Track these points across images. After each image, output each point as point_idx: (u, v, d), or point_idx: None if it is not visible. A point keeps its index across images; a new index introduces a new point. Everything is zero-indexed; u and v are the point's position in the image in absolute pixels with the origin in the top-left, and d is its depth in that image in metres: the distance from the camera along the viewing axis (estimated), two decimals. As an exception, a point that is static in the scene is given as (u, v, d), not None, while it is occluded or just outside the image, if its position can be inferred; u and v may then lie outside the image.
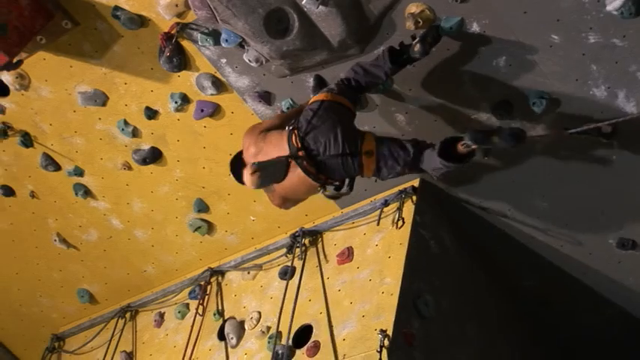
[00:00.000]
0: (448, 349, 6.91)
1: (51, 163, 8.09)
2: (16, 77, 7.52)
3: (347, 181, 6.33)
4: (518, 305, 8.07)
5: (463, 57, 6.36)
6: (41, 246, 8.81)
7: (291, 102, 6.98)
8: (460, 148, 5.90)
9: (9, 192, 8.43)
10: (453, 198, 7.34)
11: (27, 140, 7.98)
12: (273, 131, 6.24)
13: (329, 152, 6.02)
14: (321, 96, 6.14)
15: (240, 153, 6.37)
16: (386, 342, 6.22)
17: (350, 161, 6.07)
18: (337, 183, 6.29)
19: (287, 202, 6.50)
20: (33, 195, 8.40)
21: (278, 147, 6.09)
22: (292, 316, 6.93)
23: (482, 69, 6.39)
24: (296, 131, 6.03)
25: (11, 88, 7.64)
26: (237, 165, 6.37)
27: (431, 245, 7.17)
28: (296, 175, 6.08)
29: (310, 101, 6.19)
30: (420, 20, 6.19)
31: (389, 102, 6.81)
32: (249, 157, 6.19)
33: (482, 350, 7.35)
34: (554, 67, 6.21)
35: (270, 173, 6.06)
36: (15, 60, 7.02)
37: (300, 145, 6.00)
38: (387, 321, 6.41)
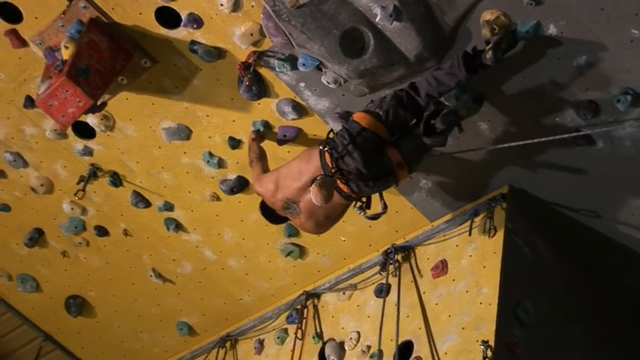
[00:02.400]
0: (552, 356, 6.86)
1: (141, 200, 8.24)
2: (101, 119, 7.68)
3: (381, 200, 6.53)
4: (621, 306, 7.94)
5: (542, 59, 6.32)
6: (138, 282, 8.95)
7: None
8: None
9: (103, 232, 8.59)
10: (543, 202, 7.28)
11: (116, 180, 8.15)
12: (282, 167, 6.63)
13: (361, 178, 6.27)
14: (363, 120, 6.27)
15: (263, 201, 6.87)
16: (489, 353, 6.21)
17: (385, 181, 6.38)
18: (364, 200, 6.50)
19: (322, 226, 6.76)
20: (126, 233, 8.55)
21: (302, 170, 6.41)
22: (397, 334, 6.93)
23: (562, 70, 6.34)
24: (330, 152, 6.24)
25: (97, 130, 7.82)
26: (267, 209, 6.87)
27: (525, 252, 7.12)
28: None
29: (353, 116, 6.35)
30: (495, 27, 6.17)
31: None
32: (274, 198, 6.61)
33: (588, 354, 7.26)
34: (636, 61, 6.13)
35: (330, 188, 6.25)
36: (99, 102, 7.18)
37: (334, 166, 6.22)
38: (488, 331, 6.39)
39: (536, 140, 6.44)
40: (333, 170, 6.24)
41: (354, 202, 6.49)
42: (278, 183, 6.58)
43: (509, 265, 6.76)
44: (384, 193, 6.58)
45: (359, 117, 6.32)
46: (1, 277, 9.27)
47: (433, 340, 6.73)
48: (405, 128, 6.44)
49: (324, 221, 6.68)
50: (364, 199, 6.52)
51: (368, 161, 6.26)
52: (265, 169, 6.91)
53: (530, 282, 6.99)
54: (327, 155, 6.28)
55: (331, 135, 6.46)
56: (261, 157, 7.06)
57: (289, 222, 7.07)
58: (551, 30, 6.13)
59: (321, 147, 6.34)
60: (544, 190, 7.18)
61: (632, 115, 6.41)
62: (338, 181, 6.28)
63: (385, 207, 6.49)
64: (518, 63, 6.38)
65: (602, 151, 6.75)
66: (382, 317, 7.17)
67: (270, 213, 6.88)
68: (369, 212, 6.52)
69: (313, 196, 6.21)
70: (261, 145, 7.25)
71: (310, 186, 6.24)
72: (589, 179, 6.99)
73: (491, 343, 6.29)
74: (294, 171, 6.50)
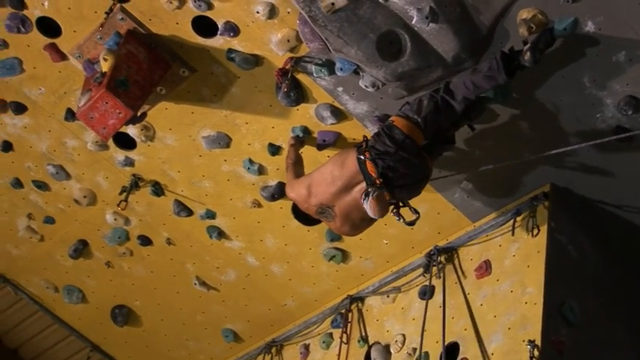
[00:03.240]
0: (600, 355, 6.83)
1: (183, 209, 8.30)
2: (141, 129, 7.76)
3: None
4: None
5: (581, 57, 6.30)
6: (182, 291, 9.00)
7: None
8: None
9: (146, 241, 8.66)
10: (586, 200, 7.24)
11: (158, 189, 8.21)
12: (315, 172, 6.61)
13: (404, 185, 6.35)
14: (405, 127, 6.27)
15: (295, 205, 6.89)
16: (535, 353, 6.20)
17: (421, 186, 6.52)
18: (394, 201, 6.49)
19: (358, 228, 6.73)
20: (169, 242, 8.62)
21: (336, 175, 6.41)
22: (443, 335, 6.91)
23: (601, 67, 6.32)
24: (374, 161, 6.24)
25: (137, 140, 7.89)
26: (299, 212, 6.85)
27: (569, 250, 7.09)
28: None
29: (392, 121, 6.35)
30: (532, 25, 6.15)
31: (509, 111, 6.79)
32: (307, 203, 6.59)
33: (635, 353, 7.21)
34: (677, 54, 6.12)
35: (384, 199, 6.29)
36: (139, 113, 7.25)
37: (378, 175, 6.24)
38: (535, 331, 6.37)
39: (577, 146, 6.52)
40: (379, 180, 6.23)
41: (391, 208, 6.48)
42: (311, 188, 6.55)
43: (553, 264, 6.73)
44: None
45: (400, 123, 6.28)
46: (47, 289, 9.38)
47: (480, 341, 6.73)
48: (437, 133, 6.48)
49: (360, 224, 6.65)
50: (400, 205, 6.52)
51: (414, 169, 6.30)
52: (299, 175, 6.90)
53: (576, 280, 6.96)
54: (369, 164, 6.26)
55: (367, 142, 6.40)
56: (296, 163, 7.07)
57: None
58: (589, 27, 6.11)
59: (360, 156, 6.29)
60: (587, 188, 7.14)
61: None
62: (383, 189, 6.28)
63: (416, 212, 6.48)
64: (557, 61, 6.36)
65: (644, 144, 6.72)
66: (424, 319, 7.19)
67: (303, 215, 6.88)
68: (406, 218, 6.49)
69: (371, 210, 6.27)
70: (301, 151, 7.27)
71: (363, 200, 6.28)
72: (632, 175, 6.95)
73: (538, 342, 6.27)
74: (328, 176, 6.48)
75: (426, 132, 6.32)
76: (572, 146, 6.53)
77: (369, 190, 6.24)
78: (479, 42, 6.39)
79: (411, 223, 6.48)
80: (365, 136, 6.49)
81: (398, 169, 6.23)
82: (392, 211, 6.48)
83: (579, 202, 7.21)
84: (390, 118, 6.40)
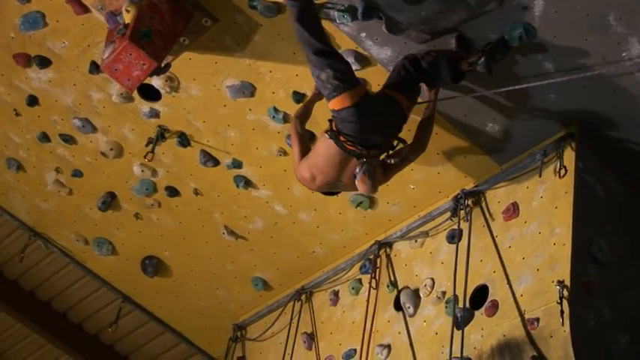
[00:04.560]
0: (630, 293, 6.83)
1: (210, 159, 8.34)
2: (166, 80, 7.78)
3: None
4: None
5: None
6: (211, 240, 9.07)
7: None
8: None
9: (174, 192, 8.72)
10: (613, 139, 7.20)
11: (184, 140, 8.25)
12: (311, 154, 6.62)
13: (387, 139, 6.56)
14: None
15: None
16: (565, 293, 6.22)
17: (402, 124, 6.61)
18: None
19: (374, 187, 6.71)
20: (197, 192, 8.67)
21: (332, 152, 6.45)
22: (466, 278, 6.99)
23: (626, 4, 6.25)
24: (348, 140, 6.38)
25: (162, 91, 7.93)
26: None
27: (597, 190, 7.07)
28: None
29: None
30: (556, -36, 6.12)
31: (534, 55, 6.75)
32: (314, 185, 6.67)
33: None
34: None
35: (373, 173, 6.43)
36: (163, 64, 7.26)
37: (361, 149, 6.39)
38: (564, 272, 6.39)
39: (597, 72, 6.47)
40: (357, 148, 6.35)
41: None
42: (312, 171, 6.59)
43: (581, 204, 6.72)
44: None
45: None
46: (77, 242, 9.48)
47: (508, 283, 6.76)
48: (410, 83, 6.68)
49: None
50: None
51: (387, 127, 6.46)
52: (304, 151, 6.77)
53: (604, 220, 6.95)
54: (341, 138, 6.35)
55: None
56: (301, 138, 6.85)
57: None
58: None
59: (326, 133, 6.41)
60: (614, 127, 7.09)
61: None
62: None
63: (404, 142, 6.63)
64: (581, 0, 6.31)
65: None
66: (456, 263, 7.21)
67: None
68: (394, 152, 6.65)
69: (363, 189, 6.45)
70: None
71: (355, 180, 6.43)
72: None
73: (567, 282, 6.29)
74: (323, 157, 6.51)
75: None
76: (589, 72, 6.54)
77: (357, 169, 6.39)
78: (502, -18, 6.36)
79: (402, 160, 6.68)
80: (331, 119, 6.52)
81: (374, 136, 6.36)
82: (386, 157, 6.61)
83: (606, 141, 7.17)
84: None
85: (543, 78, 6.78)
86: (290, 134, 7.13)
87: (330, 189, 6.81)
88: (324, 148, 6.48)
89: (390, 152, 6.61)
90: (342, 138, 6.36)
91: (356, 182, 6.42)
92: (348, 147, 6.35)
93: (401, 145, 6.64)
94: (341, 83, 6.22)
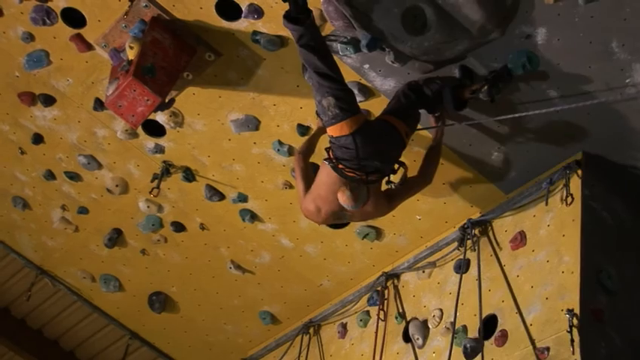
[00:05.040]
0: (640, 321, 6.81)
1: (215, 194, 8.33)
2: (170, 116, 7.79)
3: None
4: None
5: (607, 21, 6.27)
6: (218, 275, 9.05)
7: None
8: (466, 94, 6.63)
9: (180, 227, 8.71)
10: (619, 166, 7.20)
11: (189, 175, 8.25)
12: (314, 186, 6.68)
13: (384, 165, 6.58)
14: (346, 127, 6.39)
15: None
16: (575, 321, 6.19)
17: (400, 151, 6.68)
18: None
19: (378, 213, 6.87)
20: (203, 227, 8.66)
21: (332, 181, 6.50)
22: (480, 308, 6.94)
23: (629, 31, 6.27)
24: (345, 166, 6.44)
25: (166, 127, 7.94)
26: None
27: (604, 217, 7.05)
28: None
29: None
30: (556, -8, 6.14)
31: (537, 83, 6.76)
32: (320, 217, 6.73)
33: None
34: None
35: (354, 188, 6.45)
36: (167, 99, 7.28)
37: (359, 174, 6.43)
38: (573, 300, 6.36)
39: (602, 100, 6.49)
40: (356, 174, 6.39)
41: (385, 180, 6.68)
42: (316, 203, 6.65)
43: (588, 231, 6.71)
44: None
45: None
46: (84, 279, 9.47)
47: (518, 312, 6.73)
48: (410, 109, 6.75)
49: (376, 208, 6.73)
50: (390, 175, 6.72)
51: (385, 152, 6.50)
52: (309, 186, 6.82)
53: (612, 247, 6.93)
54: (340, 166, 6.40)
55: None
56: (305, 173, 6.93)
57: None
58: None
59: (326, 161, 6.48)
60: (619, 153, 7.09)
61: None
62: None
63: (403, 164, 6.69)
64: (585, 27, 6.33)
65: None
66: (458, 292, 7.21)
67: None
68: (395, 178, 6.70)
69: (342, 200, 6.45)
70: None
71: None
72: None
73: (577, 311, 6.26)
74: (324, 187, 6.57)
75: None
76: (591, 101, 6.54)
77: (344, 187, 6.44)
78: (504, 12, 6.36)
79: (402, 181, 6.72)
80: (328, 148, 6.57)
81: (372, 161, 6.40)
82: (386, 182, 6.68)
83: (612, 168, 7.17)
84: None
85: (547, 106, 6.80)
86: (295, 160, 7.13)
87: (336, 220, 6.84)
88: (325, 177, 6.53)
89: (391, 177, 6.65)
90: (340, 165, 6.38)
91: (337, 194, 6.45)
92: (347, 173, 6.38)
93: (402, 170, 6.67)
94: (341, 112, 6.26)
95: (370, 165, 6.39)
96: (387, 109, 6.75)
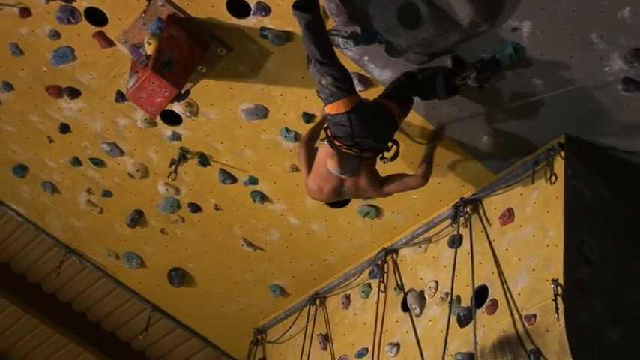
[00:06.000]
0: (619, 290, 6.79)
1: (228, 177, 8.33)
2: (186, 106, 7.79)
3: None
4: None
5: (587, 14, 6.25)
6: (231, 252, 9.04)
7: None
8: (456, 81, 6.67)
9: (196, 208, 8.70)
10: (598, 147, 7.18)
11: (204, 160, 8.25)
12: (314, 167, 6.72)
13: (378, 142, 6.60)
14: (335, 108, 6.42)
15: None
16: (559, 290, 6.20)
17: (393, 129, 6.71)
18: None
19: (375, 188, 6.82)
20: (217, 208, 8.66)
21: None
22: (473, 279, 6.96)
23: (607, 23, 6.25)
24: (343, 144, 6.46)
25: (182, 116, 7.93)
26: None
27: (585, 194, 7.04)
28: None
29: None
30: (541, -13, 6.12)
31: (524, 70, 6.75)
32: (323, 195, 6.80)
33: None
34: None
35: (341, 156, 6.46)
36: (183, 91, 7.27)
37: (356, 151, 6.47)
38: (557, 271, 6.37)
39: (581, 85, 6.52)
40: (353, 151, 6.43)
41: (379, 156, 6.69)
42: (318, 183, 6.70)
43: (571, 207, 6.71)
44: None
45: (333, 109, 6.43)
46: (109, 257, 9.48)
47: (506, 283, 6.74)
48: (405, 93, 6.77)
49: (372, 185, 6.75)
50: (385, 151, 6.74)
51: (378, 131, 6.51)
52: (309, 168, 6.90)
53: (593, 222, 6.93)
54: (342, 148, 6.42)
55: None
56: (308, 158, 6.96)
57: None
58: (598, -12, 6.07)
59: (324, 142, 6.52)
60: (599, 136, 7.07)
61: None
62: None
63: (396, 143, 6.72)
64: (566, 20, 6.31)
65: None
66: (454, 265, 7.24)
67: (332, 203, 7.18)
68: (388, 155, 6.71)
69: (330, 165, 6.47)
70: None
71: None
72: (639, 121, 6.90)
73: (561, 281, 6.28)
74: (324, 167, 6.59)
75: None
76: (573, 86, 6.62)
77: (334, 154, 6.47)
78: (492, 6, 6.35)
79: (394, 158, 6.74)
80: (327, 127, 6.61)
81: (366, 140, 6.42)
82: (379, 159, 6.70)
83: (592, 149, 7.15)
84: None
85: (532, 92, 6.80)
86: (297, 155, 7.15)
87: (337, 197, 6.84)
88: (324, 156, 6.55)
89: (384, 154, 6.68)
90: (337, 142, 6.38)
91: (327, 162, 6.49)
92: (344, 150, 6.38)
93: (394, 148, 6.70)
94: (338, 90, 6.29)
95: (365, 142, 6.42)
96: (382, 93, 6.78)
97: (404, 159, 7.33)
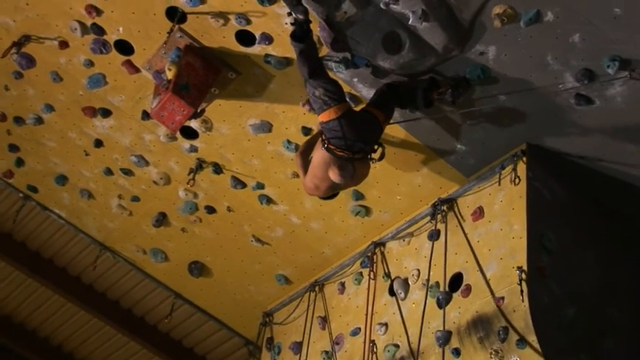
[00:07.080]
0: (575, 276, 6.81)
1: (239, 183, 8.33)
2: (201, 123, 7.78)
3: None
4: (625, 230, 7.80)
5: (543, 40, 6.26)
6: (242, 247, 9.02)
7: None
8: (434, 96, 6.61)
9: (211, 210, 8.68)
10: (556, 153, 7.18)
11: (217, 169, 8.24)
12: (310, 167, 6.66)
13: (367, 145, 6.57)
14: (327, 115, 6.38)
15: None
16: (523, 276, 6.23)
17: (379, 134, 6.64)
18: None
19: (360, 178, 6.75)
20: (229, 209, 8.64)
21: (327, 160, 6.47)
22: (445, 268, 6.98)
23: (561, 47, 6.26)
24: (337, 148, 6.41)
25: (199, 131, 7.93)
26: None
27: (544, 193, 7.06)
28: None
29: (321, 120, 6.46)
30: (504, 18, 6.12)
31: (489, 87, 6.75)
32: (320, 191, 6.74)
33: (601, 273, 7.19)
34: (619, 34, 6.03)
35: (345, 166, 6.44)
36: (199, 110, 7.27)
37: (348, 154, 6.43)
38: (521, 259, 6.38)
39: (538, 100, 6.41)
40: (344, 153, 6.39)
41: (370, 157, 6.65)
42: (314, 181, 6.65)
43: (532, 205, 6.72)
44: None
45: (326, 117, 6.36)
46: (138, 252, 9.46)
47: (479, 270, 6.74)
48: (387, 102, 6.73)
49: (361, 178, 6.74)
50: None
51: (366, 135, 6.48)
52: (305, 167, 6.87)
53: (551, 217, 6.94)
54: (330, 146, 6.39)
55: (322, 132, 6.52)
56: (304, 164, 6.91)
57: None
58: (549, 16, 6.07)
59: (322, 147, 6.44)
60: (555, 143, 7.08)
61: (621, 77, 6.30)
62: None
63: (381, 145, 6.67)
64: (525, 44, 6.32)
65: (599, 108, 6.64)
66: (431, 256, 7.27)
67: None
68: (375, 156, 6.66)
69: (333, 177, 6.45)
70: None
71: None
72: (591, 131, 6.89)
73: (525, 268, 6.30)
74: (320, 167, 6.55)
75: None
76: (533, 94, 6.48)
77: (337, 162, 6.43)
78: (463, 33, 6.36)
79: (380, 158, 6.69)
80: (321, 130, 6.55)
81: (359, 144, 6.39)
82: (370, 159, 6.64)
83: (551, 155, 7.15)
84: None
85: (498, 107, 6.81)
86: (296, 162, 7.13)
87: (332, 191, 6.87)
88: (319, 159, 6.52)
89: (372, 155, 6.64)
90: (331, 147, 6.37)
91: (329, 172, 6.46)
92: (338, 153, 6.37)
93: (380, 149, 6.68)
94: (329, 99, 6.27)
95: (355, 145, 6.40)
96: (368, 102, 6.79)
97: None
